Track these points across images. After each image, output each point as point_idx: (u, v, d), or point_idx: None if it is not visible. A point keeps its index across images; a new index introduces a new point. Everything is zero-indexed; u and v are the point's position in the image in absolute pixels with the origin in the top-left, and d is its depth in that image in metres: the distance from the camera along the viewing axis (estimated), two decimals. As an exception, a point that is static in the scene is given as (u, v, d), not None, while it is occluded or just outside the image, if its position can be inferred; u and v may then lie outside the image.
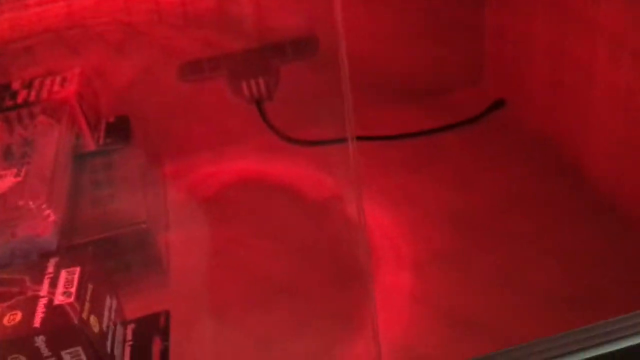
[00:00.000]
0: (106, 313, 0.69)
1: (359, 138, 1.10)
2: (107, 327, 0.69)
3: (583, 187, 0.91)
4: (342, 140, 1.07)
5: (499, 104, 1.09)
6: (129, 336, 0.74)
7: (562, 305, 0.74)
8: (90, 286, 0.67)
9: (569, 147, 0.95)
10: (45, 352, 0.60)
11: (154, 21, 0.97)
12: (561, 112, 0.96)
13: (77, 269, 0.67)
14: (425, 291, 0.78)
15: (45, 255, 0.71)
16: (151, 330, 0.75)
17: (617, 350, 0.48)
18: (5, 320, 0.61)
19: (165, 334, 0.75)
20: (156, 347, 0.74)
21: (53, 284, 0.65)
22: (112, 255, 0.79)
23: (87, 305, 0.64)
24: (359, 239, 0.53)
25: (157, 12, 0.97)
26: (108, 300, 0.71)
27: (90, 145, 0.91)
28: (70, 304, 0.62)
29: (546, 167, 0.96)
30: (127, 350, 0.72)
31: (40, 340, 0.60)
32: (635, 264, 0.78)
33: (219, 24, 1.02)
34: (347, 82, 0.46)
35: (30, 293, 0.64)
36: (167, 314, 0.78)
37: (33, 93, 0.90)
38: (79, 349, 0.62)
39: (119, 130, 0.95)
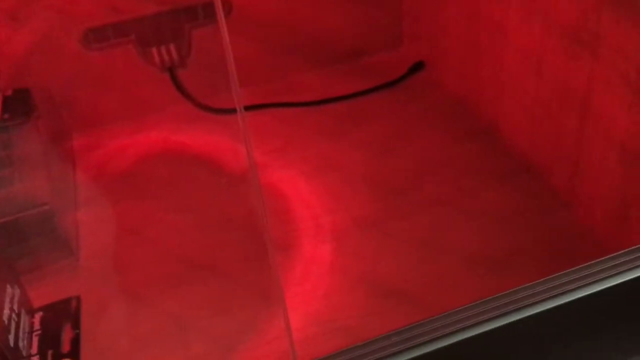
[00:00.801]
0: (7, 304, 0.65)
1: (279, 105, 1.08)
2: (9, 318, 0.64)
3: (499, 148, 0.92)
4: (260, 106, 1.05)
5: (418, 67, 1.08)
6: (37, 325, 0.70)
7: (481, 268, 0.75)
8: (-14, 277, 0.63)
9: (485, 109, 0.96)
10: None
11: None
12: (477, 74, 0.96)
13: (-29, 260, 0.62)
14: (346, 261, 0.77)
15: None
16: (61, 318, 0.72)
17: (536, 314, 0.49)
18: None
19: (76, 320, 0.72)
20: (67, 335, 0.70)
21: (-57, 277, 0.60)
22: (13, 240, 0.74)
23: (-18, 299, 0.60)
24: (260, 213, 0.51)
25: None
26: (9, 290, 0.67)
27: (-15, 121, 0.84)
28: (-38, 299, 0.58)
29: (464, 130, 0.96)
30: (35, 340, 0.68)
31: None
32: (549, 225, 0.80)
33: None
34: (230, 52, 0.43)
35: None
36: (77, 299, 0.74)
37: None
38: (-24, 345, 0.58)
39: (19, 104, 0.89)
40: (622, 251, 0.48)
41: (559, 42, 0.75)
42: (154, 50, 1.00)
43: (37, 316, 0.71)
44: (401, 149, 0.95)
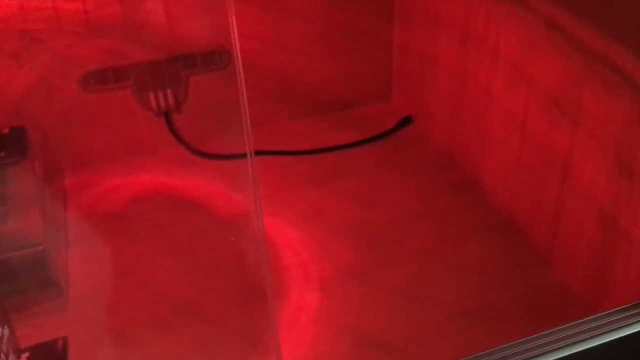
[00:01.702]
0: (-4, 344, 0.65)
1: (270, 153, 1.11)
2: (-2, 359, 0.64)
3: (482, 203, 0.95)
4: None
5: (406, 121, 1.12)
6: (23, 366, 0.70)
7: (461, 321, 0.77)
8: (-23, 317, 0.63)
9: (470, 164, 0.99)
10: None
11: (53, 29, 0.92)
12: (463, 131, 0.99)
13: (-37, 299, 0.63)
14: (332, 310, 0.79)
15: None
16: (47, 359, 0.72)
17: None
18: None
19: (62, 362, 0.72)
20: (52, 376, 0.70)
21: None
22: (4, 279, 0.74)
23: (-27, 339, 0.60)
24: (261, 261, 0.52)
25: (56, 19, 0.92)
26: (-1, 330, 0.67)
27: (-20, 159, 0.85)
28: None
29: (449, 183, 0.99)
30: (21, 381, 0.68)
31: None
32: (529, 280, 0.82)
33: (125, 33, 0.98)
34: (244, 99, 0.45)
35: None
36: (64, 340, 0.74)
37: None
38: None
39: (14, 142, 0.90)
40: (605, 312, 0.50)
41: (542, 107, 0.79)
42: (151, 94, 1.02)
43: (24, 357, 0.71)
44: (386, 200, 0.98)
